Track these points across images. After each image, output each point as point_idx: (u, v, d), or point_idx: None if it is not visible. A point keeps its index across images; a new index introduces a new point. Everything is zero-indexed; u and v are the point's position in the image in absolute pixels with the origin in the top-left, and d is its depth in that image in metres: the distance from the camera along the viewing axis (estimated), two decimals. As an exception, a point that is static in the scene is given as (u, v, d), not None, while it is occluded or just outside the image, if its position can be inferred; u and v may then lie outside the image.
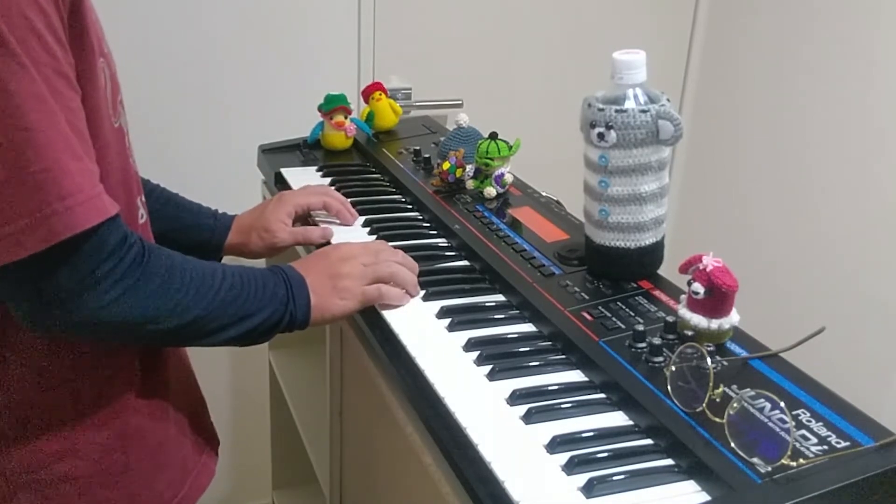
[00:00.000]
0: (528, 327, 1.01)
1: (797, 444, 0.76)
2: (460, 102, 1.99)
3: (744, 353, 0.91)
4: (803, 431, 0.78)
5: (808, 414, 0.81)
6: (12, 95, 0.74)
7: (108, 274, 0.82)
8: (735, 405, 0.78)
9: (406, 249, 1.18)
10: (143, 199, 1.01)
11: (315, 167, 1.50)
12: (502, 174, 1.31)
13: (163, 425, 1.00)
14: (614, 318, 0.98)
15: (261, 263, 1.44)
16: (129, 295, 0.84)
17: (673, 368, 0.85)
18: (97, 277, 0.81)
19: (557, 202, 1.32)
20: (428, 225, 1.27)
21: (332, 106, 1.53)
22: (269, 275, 0.98)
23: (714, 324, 0.91)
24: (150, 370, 0.98)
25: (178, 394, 1.04)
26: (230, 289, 0.93)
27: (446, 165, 1.32)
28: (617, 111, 1.00)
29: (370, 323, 1.04)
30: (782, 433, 0.75)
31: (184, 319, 0.89)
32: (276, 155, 1.57)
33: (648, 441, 0.82)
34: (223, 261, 1.27)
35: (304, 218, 1.28)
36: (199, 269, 0.92)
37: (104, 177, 0.84)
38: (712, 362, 0.82)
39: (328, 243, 1.21)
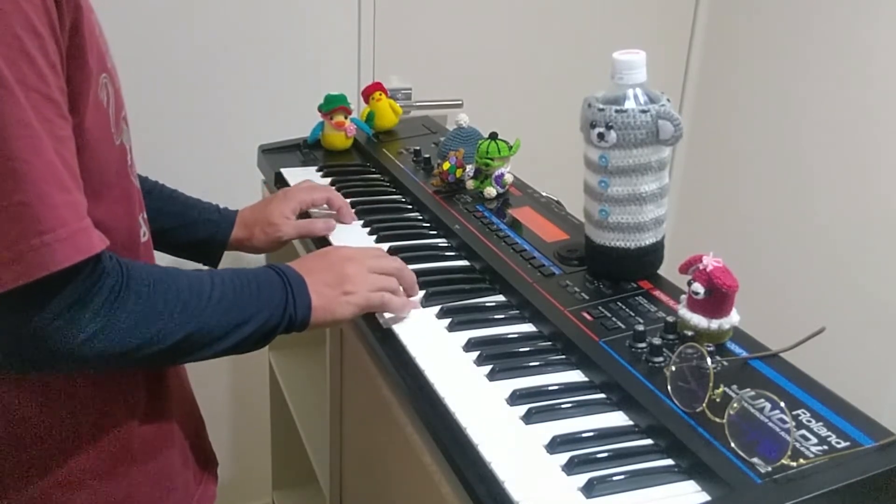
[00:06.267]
0: (528, 327, 1.01)
1: (797, 444, 0.76)
2: (460, 102, 1.99)
3: (744, 353, 0.91)
4: (803, 431, 0.78)
5: (808, 414, 0.81)
6: None
7: (85, 308, 0.77)
8: (735, 405, 0.78)
9: (406, 249, 1.18)
10: (146, 216, 0.96)
11: (315, 167, 1.50)
12: (502, 174, 1.31)
13: (166, 451, 0.97)
14: (614, 318, 0.98)
15: (260, 261, 1.45)
16: (107, 328, 0.79)
17: (673, 368, 0.85)
18: (73, 313, 0.76)
19: (557, 202, 1.32)
20: (428, 225, 1.27)
21: (332, 106, 1.53)
22: (264, 277, 0.94)
23: (714, 324, 0.91)
24: (154, 394, 0.95)
25: (181, 417, 1.00)
26: (220, 299, 0.88)
27: (446, 165, 1.32)
28: (617, 111, 1.00)
29: (370, 323, 1.04)
30: (782, 433, 0.75)
31: (170, 341, 0.84)
32: (276, 155, 1.57)
33: (648, 441, 0.82)
34: (226, 255, 1.27)
35: (305, 214, 1.29)
36: (185, 284, 0.86)
37: (103, 197, 0.80)
38: (712, 362, 0.82)
39: (328, 242, 1.21)
